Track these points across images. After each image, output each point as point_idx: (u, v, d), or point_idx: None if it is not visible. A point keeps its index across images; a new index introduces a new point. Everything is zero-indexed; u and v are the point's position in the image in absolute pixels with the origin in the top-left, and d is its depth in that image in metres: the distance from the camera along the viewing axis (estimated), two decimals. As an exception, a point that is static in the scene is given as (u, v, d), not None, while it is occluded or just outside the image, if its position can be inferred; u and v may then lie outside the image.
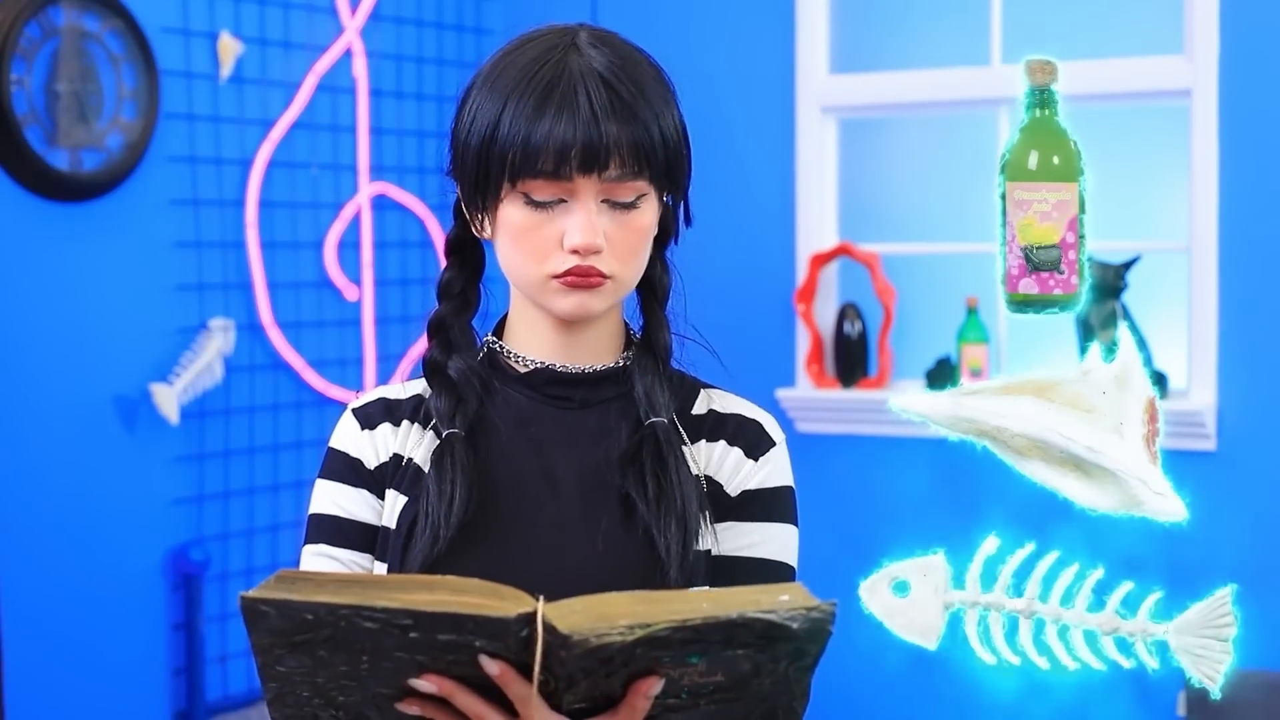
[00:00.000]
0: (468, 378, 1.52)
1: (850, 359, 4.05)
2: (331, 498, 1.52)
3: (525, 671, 1.23)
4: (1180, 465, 1.97)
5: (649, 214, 1.48)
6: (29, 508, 3.39)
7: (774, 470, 1.54)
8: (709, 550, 1.49)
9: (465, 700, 1.26)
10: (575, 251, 1.44)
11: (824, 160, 4.10)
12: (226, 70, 3.75)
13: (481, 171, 1.46)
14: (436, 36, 4.31)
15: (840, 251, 4.04)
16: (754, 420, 1.55)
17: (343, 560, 1.50)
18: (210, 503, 3.75)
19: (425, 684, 1.25)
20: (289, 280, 3.93)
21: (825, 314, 4.11)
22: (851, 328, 4.06)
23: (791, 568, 1.53)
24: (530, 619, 1.21)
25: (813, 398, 4.03)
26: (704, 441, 1.53)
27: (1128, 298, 3.75)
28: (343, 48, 4.03)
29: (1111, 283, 3.69)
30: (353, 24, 4.04)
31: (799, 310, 4.05)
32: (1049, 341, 3.84)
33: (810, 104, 4.08)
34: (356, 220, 4.09)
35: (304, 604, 1.21)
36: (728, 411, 1.55)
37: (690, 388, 1.57)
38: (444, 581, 1.24)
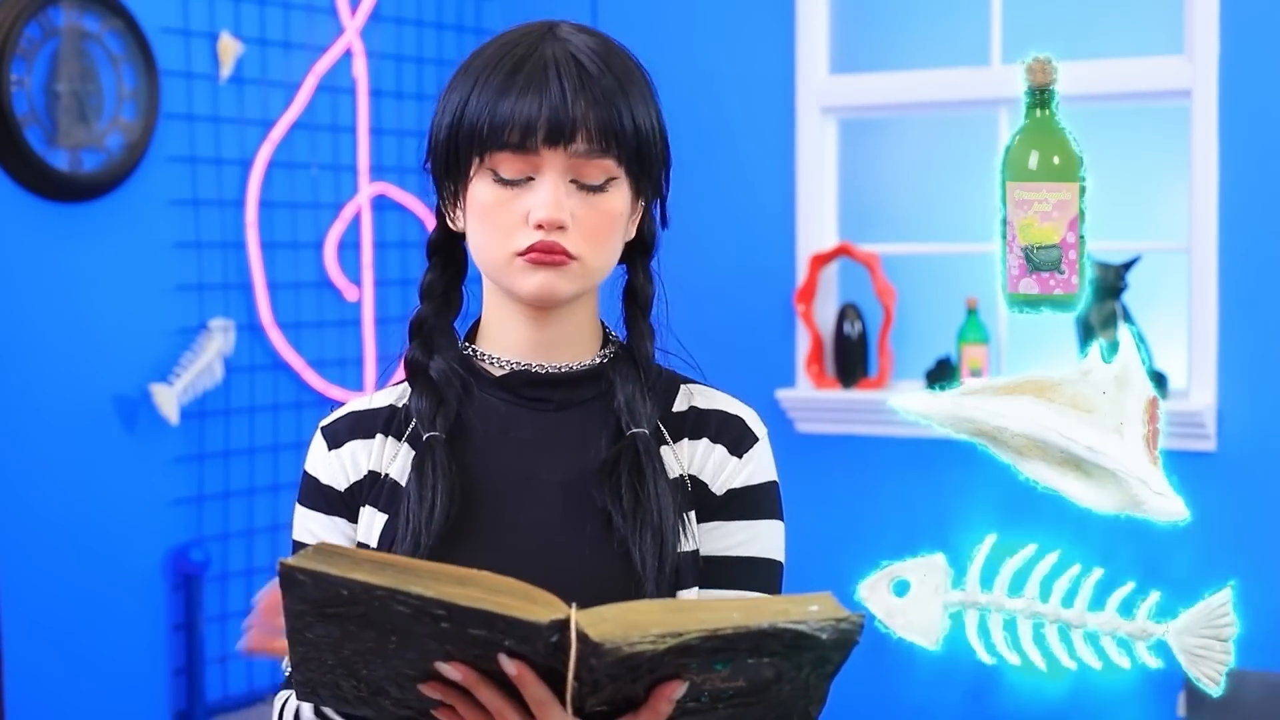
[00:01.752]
0: (448, 378, 1.51)
1: (850, 359, 4.05)
2: (306, 525, 1.52)
3: (550, 676, 1.24)
4: (1180, 465, 1.97)
5: (618, 199, 1.46)
6: (29, 508, 3.39)
7: (758, 467, 1.53)
8: (695, 550, 1.48)
9: (487, 694, 1.27)
10: (540, 226, 1.42)
11: (824, 160, 4.10)
12: (226, 70, 3.75)
13: (451, 151, 1.46)
14: (436, 36, 4.31)
15: (840, 252, 4.04)
16: (736, 416, 1.54)
17: None
18: (210, 503, 3.75)
19: (452, 671, 1.26)
20: (289, 280, 3.93)
21: (825, 314, 4.10)
22: (851, 328, 4.05)
23: (779, 563, 1.52)
24: (562, 626, 1.21)
25: (812, 398, 4.03)
26: (686, 440, 1.52)
27: (1128, 298, 3.75)
28: (343, 48, 4.03)
29: (1111, 283, 3.69)
30: (353, 24, 4.04)
31: (799, 310, 4.04)
32: (1049, 341, 3.84)
33: (810, 104, 4.08)
34: (356, 220, 4.09)
35: (340, 579, 1.23)
36: (708, 407, 1.54)
37: (669, 384, 1.55)
38: (478, 577, 1.25)
